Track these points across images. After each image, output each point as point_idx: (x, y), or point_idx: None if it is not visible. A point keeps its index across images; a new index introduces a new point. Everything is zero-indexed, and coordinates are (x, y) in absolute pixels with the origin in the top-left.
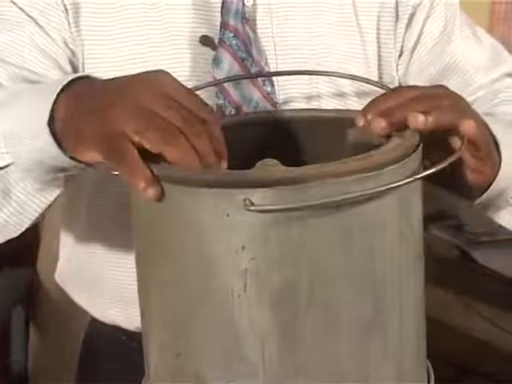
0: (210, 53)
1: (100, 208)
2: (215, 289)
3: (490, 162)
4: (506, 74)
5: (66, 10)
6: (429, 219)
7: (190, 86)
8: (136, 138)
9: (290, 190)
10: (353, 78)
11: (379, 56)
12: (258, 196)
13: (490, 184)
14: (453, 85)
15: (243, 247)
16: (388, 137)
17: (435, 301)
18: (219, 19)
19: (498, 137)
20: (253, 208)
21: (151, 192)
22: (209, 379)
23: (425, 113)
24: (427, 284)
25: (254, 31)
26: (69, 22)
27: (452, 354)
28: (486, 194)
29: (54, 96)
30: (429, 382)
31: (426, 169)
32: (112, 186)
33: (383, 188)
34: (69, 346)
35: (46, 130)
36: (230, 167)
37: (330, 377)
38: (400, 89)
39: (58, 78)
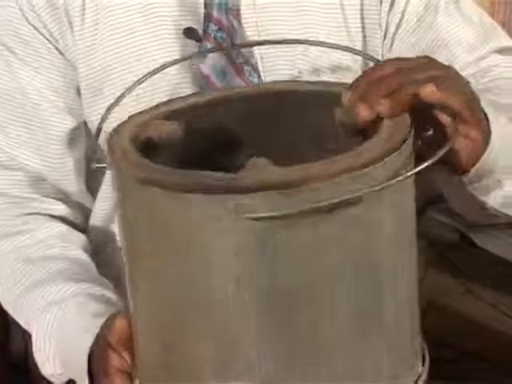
0: (195, 45)
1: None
2: (207, 293)
3: (481, 128)
4: (494, 50)
5: (71, 25)
6: (428, 202)
7: (176, 78)
8: None
9: (281, 195)
10: (345, 49)
11: (365, 44)
12: (249, 202)
13: (482, 155)
14: None
15: (236, 254)
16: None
17: (435, 284)
18: (203, 11)
19: (487, 110)
20: (246, 215)
21: None
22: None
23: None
24: (427, 268)
25: (239, 21)
26: (72, 31)
27: (452, 337)
28: (477, 166)
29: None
30: (423, 361)
31: (417, 149)
32: None
33: (377, 188)
34: None
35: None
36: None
37: (326, 374)
38: (381, 67)
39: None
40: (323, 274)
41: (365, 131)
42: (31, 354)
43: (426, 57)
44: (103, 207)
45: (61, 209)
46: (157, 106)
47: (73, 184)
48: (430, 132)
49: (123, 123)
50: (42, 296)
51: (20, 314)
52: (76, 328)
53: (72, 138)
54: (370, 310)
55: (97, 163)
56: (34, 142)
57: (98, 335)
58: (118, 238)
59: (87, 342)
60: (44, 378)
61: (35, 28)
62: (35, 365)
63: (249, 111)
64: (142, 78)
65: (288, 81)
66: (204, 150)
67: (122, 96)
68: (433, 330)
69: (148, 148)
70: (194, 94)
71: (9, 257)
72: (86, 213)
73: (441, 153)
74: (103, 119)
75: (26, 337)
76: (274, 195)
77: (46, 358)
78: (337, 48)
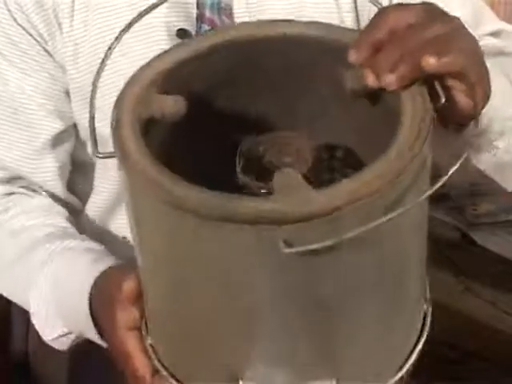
0: None
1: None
2: (240, 314)
3: (483, 86)
4: (488, 33)
5: (60, 26)
6: (429, 201)
7: None
8: None
9: (329, 223)
10: None
11: None
12: (291, 235)
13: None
14: None
15: (272, 282)
16: None
17: (435, 283)
18: (195, 11)
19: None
20: (289, 250)
21: None
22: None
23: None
24: (427, 266)
25: (232, 21)
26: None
27: (453, 336)
28: (474, 123)
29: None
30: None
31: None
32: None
33: (423, 197)
34: None
35: (96, 333)
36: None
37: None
38: (381, 22)
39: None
40: (355, 289)
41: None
42: (32, 353)
43: (427, 4)
44: (96, 209)
45: (45, 195)
46: (148, 66)
47: (58, 186)
48: (443, 100)
49: (122, 96)
50: (33, 261)
51: (13, 287)
52: (72, 278)
53: (59, 141)
54: (390, 307)
55: (98, 153)
56: (20, 145)
57: (96, 283)
58: (113, 236)
59: (86, 287)
60: (45, 378)
61: (24, 29)
62: (36, 364)
63: (243, 59)
64: (116, 40)
65: (284, 21)
66: (205, 110)
67: (101, 69)
68: (432, 328)
69: (149, 124)
70: (181, 45)
71: None
72: (72, 210)
73: (463, 156)
74: (92, 106)
75: (27, 336)
76: (322, 225)
77: (45, 321)
78: None
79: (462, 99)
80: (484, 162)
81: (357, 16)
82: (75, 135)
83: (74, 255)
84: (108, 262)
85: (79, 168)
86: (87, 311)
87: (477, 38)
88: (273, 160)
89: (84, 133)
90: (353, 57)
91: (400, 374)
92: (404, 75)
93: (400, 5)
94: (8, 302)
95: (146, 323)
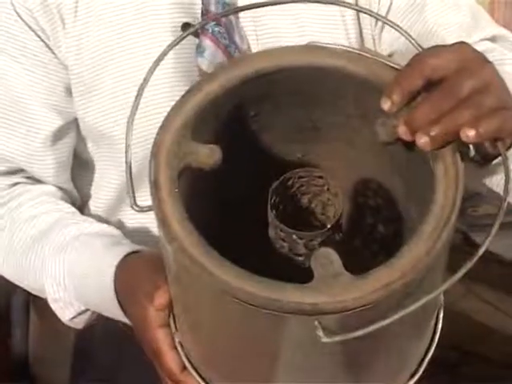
0: (193, 41)
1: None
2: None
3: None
4: (485, 38)
5: (63, 22)
6: None
7: (174, 74)
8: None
9: (364, 312)
10: (356, 9)
11: (361, 42)
12: (331, 325)
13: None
14: None
15: (306, 359)
16: None
17: None
18: (200, 6)
19: None
20: (329, 340)
21: None
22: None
23: (470, 123)
24: None
25: (236, 16)
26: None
27: (453, 337)
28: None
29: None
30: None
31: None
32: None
33: (455, 279)
34: (68, 329)
35: (119, 309)
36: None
37: None
38: (418, 72)
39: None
40: (385, 338)
41: None
42: (32, 353)
43: (462, 48)
44: (99, 204)
45: (49, 184)
46: (178, 107)
47: (60, 179)
48: (472, 154)
49: (157, 146)
50: (46, 247)
51: (26, 274)
52: (91, 258)
53: (60, 136)
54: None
55: (136, 206)
56: (21, 140)
57: (120, 269)
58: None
59: (108, 269)
60: (45, 378)
61: (27, 24)
62: (36, 364)
63: (271, 91)
64: (150, 70)
65: (302, 47)
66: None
67: (140, 96)
68: None
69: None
70: (207, 79)
71: (5, 223)
72: (74, 204)
73: (492, 233)
74: (128, 132)
75: (27, 336)
76: (361, 314)
77: (63, 303)
78: (344, 6)
79: (491, 149)
80: (496, 183)
81: (360, 29)
82: (76, 130)
83: (90, 239)
84: (126, 245)
85: (78, 162)
86: (112, 294)
87: (473, 42)
88: (305, 198)
89: (84, 129)
90: (386, 105)
91: (415, 378)
92: (438, 139)
93: (436, 50)
94: (8, 302)
95: (174, 319)
